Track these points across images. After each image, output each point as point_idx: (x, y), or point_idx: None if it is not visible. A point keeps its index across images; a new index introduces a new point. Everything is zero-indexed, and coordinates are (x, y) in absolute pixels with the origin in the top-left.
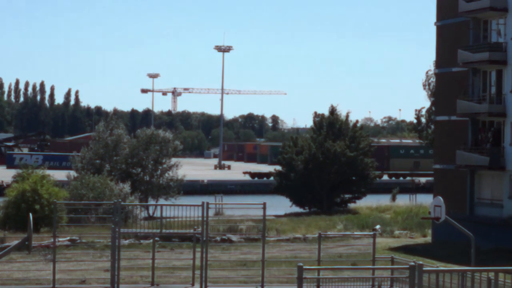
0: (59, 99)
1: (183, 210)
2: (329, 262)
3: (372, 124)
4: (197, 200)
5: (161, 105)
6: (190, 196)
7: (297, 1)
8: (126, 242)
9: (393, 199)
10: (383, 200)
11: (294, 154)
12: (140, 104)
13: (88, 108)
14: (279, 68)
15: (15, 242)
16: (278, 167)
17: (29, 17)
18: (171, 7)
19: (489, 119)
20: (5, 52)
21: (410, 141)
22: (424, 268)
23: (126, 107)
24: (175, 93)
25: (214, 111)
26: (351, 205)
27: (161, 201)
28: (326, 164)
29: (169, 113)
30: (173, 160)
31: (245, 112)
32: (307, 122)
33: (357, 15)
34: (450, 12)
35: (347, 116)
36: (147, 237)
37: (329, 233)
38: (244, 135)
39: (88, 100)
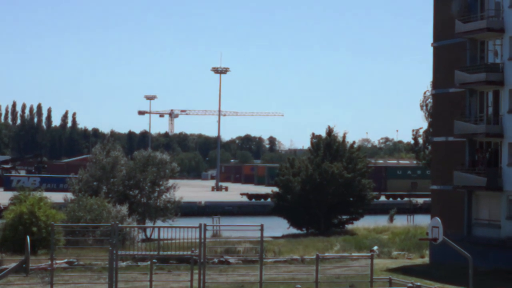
0: (56, 121)
1: (180, 232)
2: (327, 284)
3: (369, 145)
4: (195, 221)
5: (158, 127)
6: (187, 218)
7: (294, 22)
8: (124, 264)
9: (391, 220)
10: (380, 221)
11: (291, 175)
12: (137, 126)
13: (85, 130)
14: (276, 89)
15: (13, 264)
16: (276, 189)
17: (26, 40)
18: (168, 29)
19: (486, 139)
20: (2, 74)
21: (407, 162)
22: None
23: (123, 129)
24: (172, 115)
25: (211, 132)
26: (349, 226)
27: (159, 223)
28: (323, 185)
29: (166, 135)
30: (171, 182)
31: (242, 133)
32: (304, 143)
33: (354, 36)
34: (447, 33)
35: (344, 137)
36: (145, 259)
37: (326, 254)
38: (242, 157)
39: (85, 122)
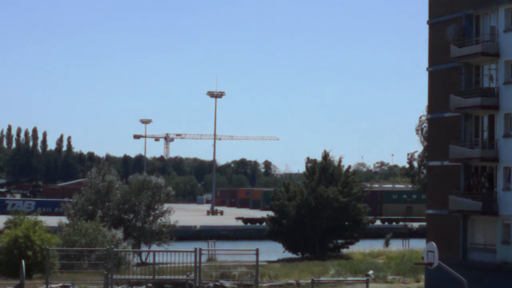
0: (51, 145)
1: (175, 256)
2: None
3: (364, 169)
4: (190, 246)
5: (154, 150)
6: (182, 242)
7: (289, 47)
8: None
9: (386, 244)
10: (376, 245)
11: (286, 199)
12: (133, 149)
13: (81, 154)
14: (272, 113)
15: None
16: (271, 213)
17: (21, 63)
18: (163, 53)
19: (482, 164)
20: None
21: (402, 186)
22: None
23: (118, 153)
24: (167, 139)
25: (206, 156)
26: (344, 251)
27: (154, 247)
28: (318, 210)
29: (161, 158)
30: (166, 206)
31: (237, 157)
32: (300, 167)
33: (349, 60)
34: (442, 57)
35: (340, 161)
36: (140, 283)
37: (322, 278)
38: (237, 181)
39: (81, 146)
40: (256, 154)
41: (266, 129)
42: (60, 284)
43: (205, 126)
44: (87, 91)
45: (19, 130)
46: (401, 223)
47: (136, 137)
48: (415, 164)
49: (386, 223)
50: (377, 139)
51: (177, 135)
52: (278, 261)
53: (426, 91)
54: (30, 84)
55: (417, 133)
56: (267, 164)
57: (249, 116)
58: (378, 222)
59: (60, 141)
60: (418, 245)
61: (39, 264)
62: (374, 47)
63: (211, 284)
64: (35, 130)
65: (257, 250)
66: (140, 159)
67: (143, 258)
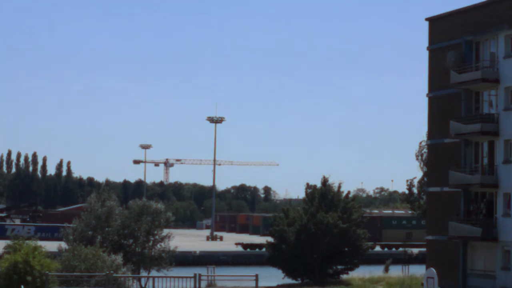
0: (51, 170)
1: (175, 281)
2: None
3: (364, 195)
4: (190, 271)
5: (154, 176)
6: (182, 268)
7: (288, 72)
8: None
9: (386, 270)
10: (375, 271)
11: (285, 225)
12: (133, 175)
13: (80, 179)
14: (271, 139)
15: None
16: (270, 239)
17: (21, 88)
18: (163, 78)
19: (482, 190)
20: None
21: (402, 212)
22: None
23: (118, 178)
24: (167, 164)
25: (206, 182)
26: (344, 276)
27: (153, 272)
28: (318, 235)
29: (161, 184)
30: (165, 231)
31: (237, 183)
32: (299, 193)
33: (349, 86)
34: (441, 83)
35: (339, 187)
36: None
37: None
38: (237, 206)
39: (81, 171)
40: (255, 179)
41: (265, 154)
42: None
43: (204, 151)
44: (87, 116)
45: (19, 155)
46: (401, 249)
47: (136, 162)
48: (415, 190)
49: (386, 249)
50: (377, 165)
51: (177, 160)
52: (278, 287)
53: (426, 116)
54: (30, 109)
55: (417, 159)
56: (267, 190)
57: (249, 141)
58: (378, 248)
59: (60, 166)
60: (418, 271)
61: None
62: (374, 72)
63: None
64: (35, 155)
65: (256, 275)
66: (140, 184)
67: (143, 284)
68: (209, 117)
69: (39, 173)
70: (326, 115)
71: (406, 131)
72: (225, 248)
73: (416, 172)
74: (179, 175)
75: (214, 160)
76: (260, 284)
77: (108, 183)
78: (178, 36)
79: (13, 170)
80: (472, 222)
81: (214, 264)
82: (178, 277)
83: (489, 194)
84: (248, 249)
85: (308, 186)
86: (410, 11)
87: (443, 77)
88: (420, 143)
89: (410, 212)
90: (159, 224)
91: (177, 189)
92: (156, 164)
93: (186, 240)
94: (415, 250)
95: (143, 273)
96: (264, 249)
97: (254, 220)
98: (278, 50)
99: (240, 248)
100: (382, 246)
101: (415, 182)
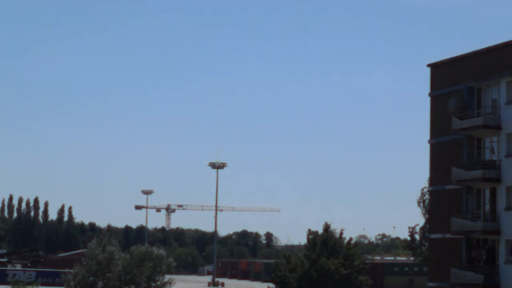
0: (52, 215)
1: None
2: None
3: (366, 241)
4: None
5: (155, 221)
6: None
7: (289, 117)
8: None
9: None
10: None
11: (287, 271)
12: (134, 220)
13: (82, 224)
14: (273, 184)
15: None
16: (272, 285)
17: (22, 134)
18: (164, 123)
19: (483, 237)
20: None
21: (404, 258)
22: None
23: (120, 224)
24: (169, 209)
25: (208, 227)
26: None
27: None
28: (320, 282)
29: (162, 229)
30: (167, 277)
31: (239, 229)
32: (301, 239)
33: (350, 132)
34: (443, 129)
35: (341, 233)
36: None
37: None
38: (238, 252)
39: (82, 216)
40: (257, 225)
41: (267, 200)
42: None
43: (206, 197)
44: (88, 162)
45: (20, 200)
46: None
47: (138, 207)
48: (417, 236)
49: None
50: (379, 211)
51: (179, 206)
52: None
53: (427, 163)
54: (31, 154)
55: (418, 205)
56: (269, 236)
57: (251, 187)
58: None
59: (61, 211)
60: None
61: None
62: (376, 118)
63: None
64: (36, 200)
65: None
66: (141, 229)
67: None
68: (211, 163)
69: (40, 218)
70: (327, 161)
71: (408, 177)
72: None
73: (418, 219)
74: (181, 221)
75: (216, 206)
76: None
77: (109, 228)
78: (179, 80)
79: (15, 215)
80: (474, 269)
81: None
82: None
83: (491, 241)
84: None
85: (310, 232)
86: (411, 57)
87: (445, 123)
88: (422, 189)
89: (412, 258)
90: (161, 270)
91: (179, 234)
92: (158, 210)
93: (188, 286)
94: None
95: None
96: None
97: (256, 266)
98: (280, 97)
99: None
100: None
101: (417, 228)
